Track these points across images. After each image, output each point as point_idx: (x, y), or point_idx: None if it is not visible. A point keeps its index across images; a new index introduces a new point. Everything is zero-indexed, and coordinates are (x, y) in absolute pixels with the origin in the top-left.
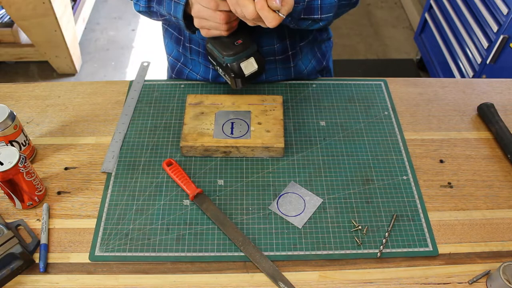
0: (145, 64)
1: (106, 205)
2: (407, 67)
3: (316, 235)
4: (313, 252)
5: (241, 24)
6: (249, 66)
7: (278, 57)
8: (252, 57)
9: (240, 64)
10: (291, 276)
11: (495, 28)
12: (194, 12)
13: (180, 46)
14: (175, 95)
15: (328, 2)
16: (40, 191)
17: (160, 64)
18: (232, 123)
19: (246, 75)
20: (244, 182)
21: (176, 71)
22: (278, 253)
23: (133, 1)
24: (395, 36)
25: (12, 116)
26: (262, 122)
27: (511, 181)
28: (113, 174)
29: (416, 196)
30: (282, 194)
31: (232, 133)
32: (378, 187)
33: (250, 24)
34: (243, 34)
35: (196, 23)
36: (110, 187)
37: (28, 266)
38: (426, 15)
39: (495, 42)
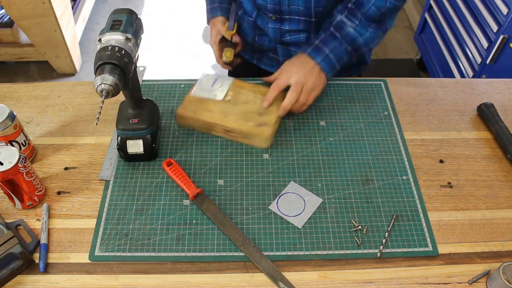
0: (141, 69)
1: (106, 205)
2: (407, 67)
3: (316, 235)
4: (313, 252)
5: (150, 108)
6: (136, 146)
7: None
8: (141, 140)
9: (127, 141)
10: (291, 276)
11: (495, 28)
12: None
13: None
14: (175, 95)
15: (369, 36)
16: (40, 191)
17: (160, 64)
18: None
19: (129, 153)
20: (244, 182)
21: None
22: (278, 253)
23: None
24: (395, 36)
25: (12, 116)
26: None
27: (511, 181)
28: (113, 174)
29: (416, 196)
30: (282, 194)
31: None
32: (378, 187)
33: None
34: (145, 113)
35: None
36: (110, 187)
37: (28, 266)
38: (426, 15)
39: (495, 42)
